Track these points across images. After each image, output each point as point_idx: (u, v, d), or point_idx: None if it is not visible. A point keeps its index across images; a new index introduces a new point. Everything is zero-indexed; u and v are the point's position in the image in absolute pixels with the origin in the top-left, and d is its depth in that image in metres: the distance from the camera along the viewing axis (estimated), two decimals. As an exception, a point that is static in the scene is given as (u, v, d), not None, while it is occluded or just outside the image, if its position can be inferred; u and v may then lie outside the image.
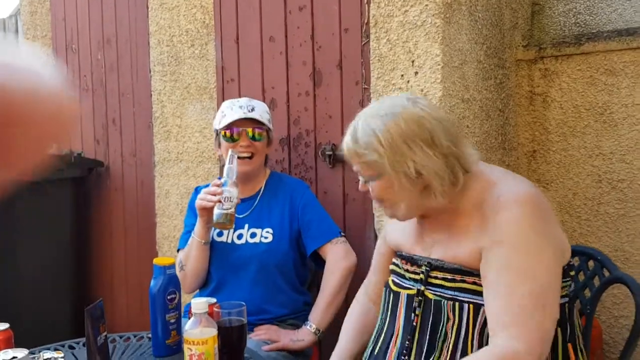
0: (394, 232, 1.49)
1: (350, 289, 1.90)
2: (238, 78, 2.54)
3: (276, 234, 1.99)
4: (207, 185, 2.02)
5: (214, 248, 2.01)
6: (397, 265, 1.43)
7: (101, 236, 3.21)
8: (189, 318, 1.36)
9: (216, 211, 1.76)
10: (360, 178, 1.36)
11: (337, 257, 1.95)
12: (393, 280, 1.42)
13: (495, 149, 2.35)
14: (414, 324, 1.31)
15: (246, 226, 2.02)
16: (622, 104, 2.31)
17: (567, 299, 1.30)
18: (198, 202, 1.86)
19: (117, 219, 3.12)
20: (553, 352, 1.26)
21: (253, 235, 2.00)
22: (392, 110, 1.27)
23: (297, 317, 2.01)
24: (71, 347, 1.52)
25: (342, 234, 2.02)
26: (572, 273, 1.36)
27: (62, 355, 1.44)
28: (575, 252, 1.65)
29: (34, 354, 1.29)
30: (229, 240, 2.01)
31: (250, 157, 1.98)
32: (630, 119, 2.30)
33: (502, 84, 2.38)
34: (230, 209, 1.75)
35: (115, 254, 3.14)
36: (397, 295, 1.37)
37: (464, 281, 1.26)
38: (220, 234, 2.03)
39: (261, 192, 2.07)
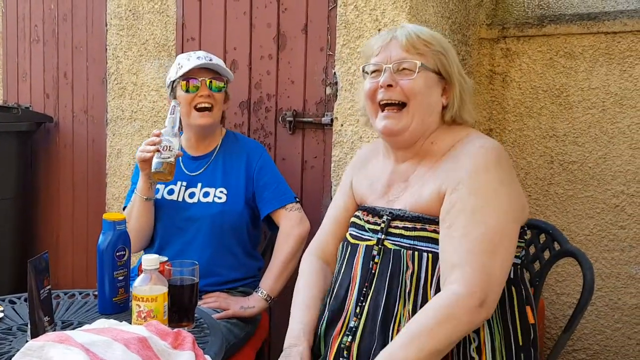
0: (361, 185, 1.48)
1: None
2: (199, 37, 2.47)
3: (230, 195, 1.95)
4: None
5: (164, 206, 1.95)
6: (357, 217, 1.42)
7: (48, 193, 3.10)
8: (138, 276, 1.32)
9: (155, 160, 1.70)
10: (387, 73, 1.31)
11: (291, 223, 1.93)
12: (351, 234, 1.42)
13: (454, 125, 2.37)
14: (373, 271, 1.30)
15: (199, 185, 1.97)
16: (578, 87, 2.36)
17: (519, 261, 1.33)
18: (138, 154, 1.80)
19: (65, 177, 3.01)
20: (511, 311, 1.28)
21: (206, 194, 1.95)
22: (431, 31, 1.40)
23: (247, 285, 1.99)
24: (12, 302, 1.46)
25: (297, 199, 2.00)
26: (526, 238, 1.38)
27: (2, 309, 1.38)
28: (528, 225, 1.69)
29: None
30: (180, 199, 1.95)
31: (210, 110, 1.93)
32: (586, 103, 2.35)
33: (464, 60, 2.39)
34: (169, 158, 1.69)
35: (62, 213, 3.04)
36: (355, 247, 1.37)
37: (424, 229, 1.26)
38: (171, 192, 1.97)
39: (216, 151, 2.02)
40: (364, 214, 1.41)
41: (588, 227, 2.37)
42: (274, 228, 2.00)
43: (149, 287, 1.23)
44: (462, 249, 1.18)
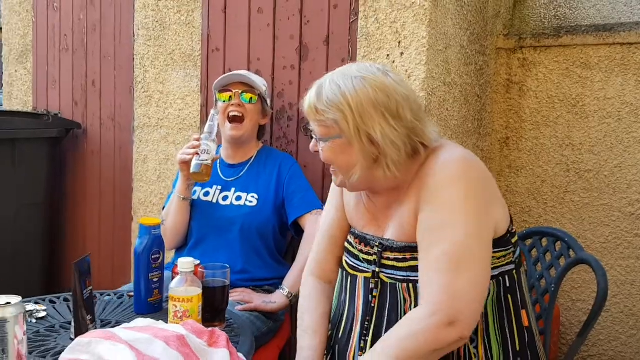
0: (349, 206, 1.46)
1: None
2: (224, 47, 2.55)
3: (261, 199, 2.07)
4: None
5: (199, 206, 2.09)
6: (351, 244, 1.43)
7: (75, 198, 3.20)
8: (172, 275, 1.40)
9: (193, 162, 1.86)
10: (314, 138, 1.34)
11: (315, 226, 2.00)
12: (347, 262, 1.43)
13: (471, 134, 2.42)
14: (372, 305, 1.32)
15: (233, 189, 2.11)
16: (594, 97, 2.41)
17: (513, 266, 1.32)
18: (178, 157, 1.96)
19: (92, 182, 3.11)
20: (508, 318, 1.30)
21: (238, 198, 2.09)
22: (362, 74, 1.26)
23: (273, 285, 2.07)
24: (52, 302, 1.54)
25: (323, 207, 2.08)
26: (514, 240, 1.36)
27: (45, 308, 1.47)
28: (543, 233, 1.75)
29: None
30: (215, 200, 2.09)
31: (241, 119, 2.07)
32: (601, 112, 2.40)
33: (481, 70, 2.45)
34: (206, 160, 1.85)
35: (89, 217, 3.14)
36: (354, 278, 1.38)
37: (414, 258, 1.27)
38: (206, 194, 2.11)
39: (251, 161, 2.16)
40: (356, 242, 1.41)
41: (604, 234, 2.41)
42: (300, 233, 2.09)
43: (184, 289, 1.31)
44: (428, 269, 1.19)
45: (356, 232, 1.42)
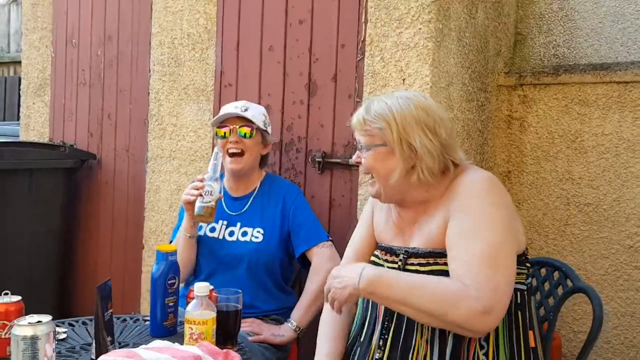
0: (379, 222, 1.61)
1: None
2: (236, 83, 2.66)
3: (266, 235, 2.10)
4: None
5: (206, 243, 2.12)
6: (377, 256, 1.55)
7: (89, 226, 3.28)
8: (187, 300, 1.47)
9: (197, 204, 1.87)
10: (358, 150, 1.51)
11: (322, 259, 2.06)
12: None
13: (473, 167, 2.51)
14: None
15: (238, 224, 2.13)
16: (592, 133, 2.49)
17: (525, 287, 1.44)
18: (183, 197, 1.97)
19: (105, 211, 3.20)
20: (517, 333, 1.39)
21: (244, 233, 2.11)
22: (406, 95, 1.49)
23: (281, 314, 2.12)
24: (71, 325, 1.61)
25: (330, 238, 2.15)
26: (529, 265, 1.48)
27: (65, 330, 1.54)
28: (542, 263, 1.81)
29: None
30: (221, 237, 2.11)
31: (240, 155, 2.09)
32: (600, 148, 2.47)
33: (483, 106, 2.54)
34: (210, 202, 1.85)
35: (102, 245, 3.22)
36: None
37: (436, 263, 1.39)
38: (212, 230, 2.13)
39: (255, 193, 2.18)
40: (382, 253, 1.54)
41: (603, 267, 2.46)
42: (307, 266, 2.13)
43: (199, 312, 1.38)
44: (466, 264, 1.30)
45: (383, 245, 1.55)
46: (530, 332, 1.42)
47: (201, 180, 1.90)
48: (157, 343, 1.31)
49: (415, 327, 1.38)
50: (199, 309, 1.38)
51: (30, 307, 1.37)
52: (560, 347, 2.47)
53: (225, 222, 2.14)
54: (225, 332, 1.45)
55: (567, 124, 2.54)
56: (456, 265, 1.32)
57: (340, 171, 2.41)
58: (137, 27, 3.04)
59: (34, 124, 3.58)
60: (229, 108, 2.14)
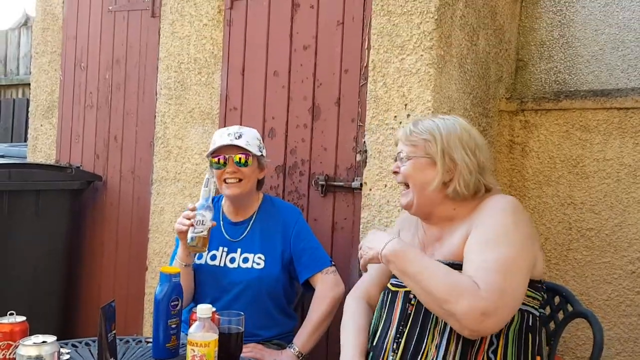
0: (405, 239, 1.66)
1: (336, 317, 1.99)
2: (241, 107, 2.70)
3: (268, 261, 2.09)
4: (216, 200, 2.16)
5: (207, 271, 2.09)
6: None
7: (93, 247, 3.30)
8: (190, 322, 1.48)
9: (189, 235, 1.83)
10: (398, 159, 1.60)
11: (327, 286, 2.07)
12: (392, 283, 1.59)
13: (475, 191, 2.52)
14: (409, 312, 1.48)
15: (239, 250, 2.11)
16: (594, 158, 2.51)
17: (538, 313, 1.48)
18: (175, 226, 1.94)
19: (110, 232, 3.22)
20: (525, 354, 1.42)
21: (245, 260, 2.10)
22: (452, 117, 1.63)
23: (282, 339, 2.12)
24: (74, 346, 1.62)
25: (333, 263, 2.15)
26: (543, 294, 1.53)
27: (68, 351, 1.55)
28: (544, 288, 1.81)
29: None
30: (222, 264, 2.10)
31: (238, 181, 2.07)
32: (601, 173, 2.49)
33: (485, 131, 2.57)
34: (202, 232, 1.81)
35: (105, 266, 3.23)
36: (395, 293, 1.55)
37: None
38: (213, 258, 2.11)
39: (254, 217, 2.17)
40: None
41: (606, 292, 2.46)
42: (309, 289, 2.14)
43: (202, 334, 1.39)
44: (479, 267, 1.35)
45: None
46: (538, 357, 1.45)
47: (192, 209, 1.86)
48: (159, 364, 1.31)
49: (429, 330, 1.43)
50: (201, 331, 1.39)
51: (34, 327, 1.38)
52: (563, 373, 2.46)
53: (225, 249, 2.12)
54: (227, 354, 1.46)
55: (569, 149, 2.56)
56: (469, 267, 1.38)
57: (342, 194, 2.43)
58: (145, 52, 3.10)
59: (42, 146, 3.63)
60: (223, 136, 2.09)
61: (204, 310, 1.41)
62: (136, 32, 3.14)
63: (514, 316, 1.41)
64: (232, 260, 2.10)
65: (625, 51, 2.60)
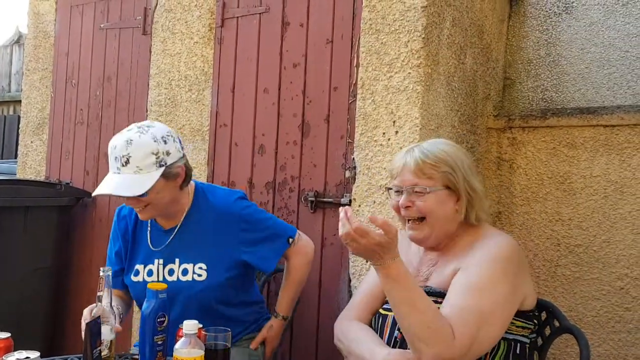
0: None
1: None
2: (231, 123, 2.72)
3: (210, 270, 1.87)
4: (129, 208, 1.93)
5: (144, 289, 1.74)
6: None
7: (81, 264, 3.28)
8: (177, 338, 1.47)
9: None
10: (405, 195, 1.53)
11: (299, 256, 2.04)
12: (383, 307, 1.59)
13: (464, 208, 2.54)
14: (397, 339, 1.47)
15: (177, 261, 1.89)
16: (581, 174, 2.53)
17: (527, 341, 1.48)
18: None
19: (98, 249, 3.20)
20: None
21: (185, 272, 1.88)
22: (450, 143, 1.60)
23: (251, 331, 2.03)
24: (59, 363, 1.61)
25: (294, 231, 2.03)
26: (535, 322, 1.54)
27: (53, 368, 1.53)
28: (530, 303, 1.82)
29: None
30: (161, 278, 1.88)
31: (144, 207, 1.80)
32: (588, 189, 2.51)
33: (473, 148, 2.59)
34: (106, 355, 1.49)
35: (93, 282, 3.20)
36: (384, 317, 1.54)
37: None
38: (150, 274, 1.90)
39: (187, 220, 1.90)
40: None
41: (595, 308, 2.47)
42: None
43: (187, 350, 1.38)
44: (458, 313, 1.35)
45: None
46: None
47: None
48: (144, 381, 1.30)
49: None
50: (187, 347, 1.38)
51: (20, 343, 1.37)
52: (553, 389, 2.45)
53: (161, 261, 1.89)
54: (213, 370, 1.45)
55: (556, 165, 2.58)
56: (448, 306, 1.37)
57: (332, 210, 2.43)
58: (136, 69, 3.12)
59: (32, 162, 3.62)
60: (110, 163, 1.77)
61: (190, 326, 1.40)
62: (127, 49, 3.16)
63: (499, 344, 1.42)
64: (171, 272, 1.88)
65: (611, 69, 2.63)
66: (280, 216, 2.54)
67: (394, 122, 2.22)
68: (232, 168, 2.70)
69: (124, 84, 3.17)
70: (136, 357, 1.60)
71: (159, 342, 1.54)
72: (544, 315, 1.69)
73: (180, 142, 1.84)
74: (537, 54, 2.79)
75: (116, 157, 1.74)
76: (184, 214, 1.90)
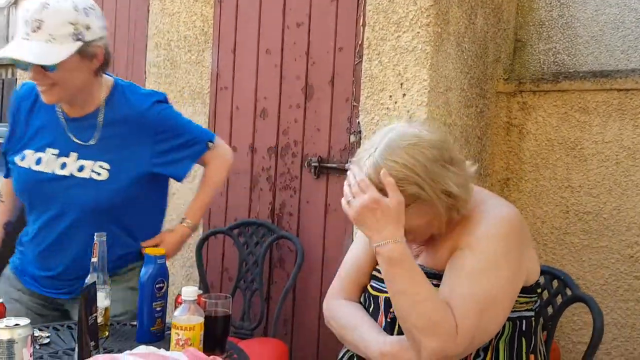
0: None
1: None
2: (232, 86, 2.63)
3: (114, 172, 1.65)
4: (29, 89, 1.72)
5: (31, 180, 1.67)
6: (378, 270, 1.50)
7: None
8: (175, 305, 1.42)
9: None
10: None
11: (218, 158, 1.84)
12: (372, 286, 1.49)
13: (472, 174, 2.47)
14: (389, 319, 1.39)
15: (74, 155, 1.65)
16: (592, 140, 2.46)
17: (532, 314, 1.40)
18: None
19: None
20: (518, 358, 1.35)
21: (81, 168, 1.64)
22: (407, 142, 1.29)
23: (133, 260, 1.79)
24: (55, 329, 1.56)
25: (214, 136, 1.85)
26: (539, 291, 1.45)
27: (48, 334, 1.49)
28: (541, 271, 1.77)
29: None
30: (49, 170, 1.65)
31: (51, 87, 1.57)
32: (600, 156, 2.44)
33: (482, 112, 2.51)
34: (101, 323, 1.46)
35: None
36: (376, 298, 1.44)
37: (438, 285, 1.34)
38: (39, 162, 1.66)
39: (99, 113, 1.67)
40: None
41: (603, 276, 2.43)
42: None
43: (187, 317, 1.33)
44: (460, 302, 1.25)
45: None
46: (532, 356, 1.38)
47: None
48: (142, 349, 1.26)
49: None
50: (186, 314, 1.34)
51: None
52: (559, 358, 2.43)
53: (55, 151, 1.66)
54: (213, 338, 1.40)
55: (567, 131, 2.51)
56: (448, 293, 1.28)
57: (336, 176, 2.37)
58: (134, 29, 3.02)
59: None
60: (19, 27, 1.52)
61: (189, 293, 1.35)
62: (125, 8, 3.06)
63: (503, 327, 1.33)
64: (63, 166, 1.65)
65: (626, 32, 2.54)
66: (282, 182, 2.48)
67: (401, 84, 2.13)
68: (233, 132, 2.63)
69: (122, 45, 3.08)
70: (134, 323, 1.56)
71: (158, 309, 1.49)
72: (555, 283, 1.64)
73: (104, 22, 1.60)
74: (549, 15, 2.69)
75: (27, 21, 1.50)
76: (96, 108, 1.67)
